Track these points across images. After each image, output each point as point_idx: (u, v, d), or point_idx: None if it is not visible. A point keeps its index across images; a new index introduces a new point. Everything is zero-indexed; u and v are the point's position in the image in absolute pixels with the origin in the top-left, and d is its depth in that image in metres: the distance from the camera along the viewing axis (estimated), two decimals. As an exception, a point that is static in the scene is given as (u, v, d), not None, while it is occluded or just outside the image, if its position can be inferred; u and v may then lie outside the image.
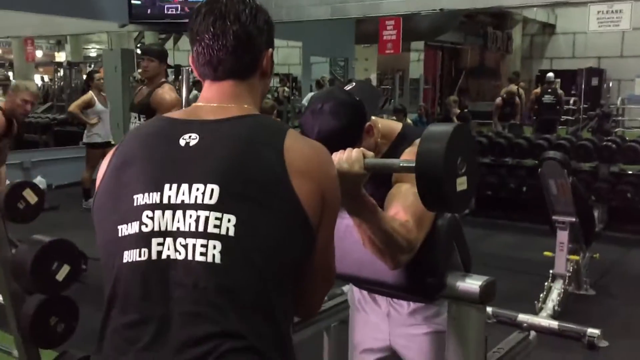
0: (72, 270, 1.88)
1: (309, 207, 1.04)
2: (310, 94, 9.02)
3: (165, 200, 1.03)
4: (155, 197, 1.03)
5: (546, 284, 3.82)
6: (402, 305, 1.81)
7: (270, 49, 1.19)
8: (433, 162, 1.23)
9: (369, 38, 11.85)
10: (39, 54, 16.41)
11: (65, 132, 9.10)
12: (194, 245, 1.00)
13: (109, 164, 1.12)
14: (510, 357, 1.91)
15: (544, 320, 3.59)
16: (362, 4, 7.34)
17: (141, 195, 1.04)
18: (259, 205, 1.01)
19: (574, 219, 3.74)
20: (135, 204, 1.04)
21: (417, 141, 1.64)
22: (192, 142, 1.06)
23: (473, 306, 1.60)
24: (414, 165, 1.26)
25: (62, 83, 11.52)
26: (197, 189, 1.02)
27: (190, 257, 1.00)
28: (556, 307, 3.68)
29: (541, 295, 3.79)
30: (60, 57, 15.54)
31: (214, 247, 0.99)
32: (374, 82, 15.15)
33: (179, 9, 8.53)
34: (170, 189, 1.03)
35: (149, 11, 8.63)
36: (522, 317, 3.64)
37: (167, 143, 1.07)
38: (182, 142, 1.06)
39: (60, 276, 1.85)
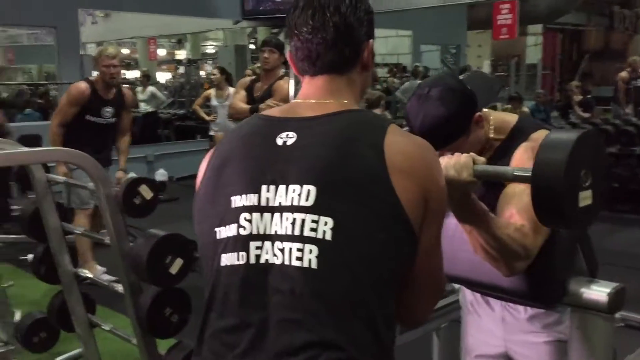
0: (185, 264, 1.93)
1: (410, 209, 0.97)
2: (406, 84, 8.80)
3: (263, 203, 1.00)
4: (252, 199, 1.01)
5: (682, 286, 3.47)
6: (519, 310, 1.70)
7: (371, 40, 1.13)
8: (552, 175, 1.11)
9: (482, 23, 11.42)
10: (161, 52, 17.38)
11: (186, 126, 9.56)
12: (291, 250, 0.96)
13: (208, 165, 1.11)
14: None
15: (680, 326, 3.26)
16: (474, -11, 7.06)
17: (239, 196, 1.02)
18: (357, 207, 0.96)
19: None
20: (232, 206, 1.02)
21: (534, 135, 1.53)
22: (290, 141, 1.02)
23: (600, 316, 1.46)
24: (530, 175, 1.15)
25: (182, 80, 12.09)
26: (294, 190, 0.98)
27: (287, 262, 0.96)
28: (694, 313, 3.33)
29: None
30: (181, 54, 16.33)
31: (310, 252, 0.95)
32: (487, 69, 14.62)
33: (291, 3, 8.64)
34: (268, 190, 1.00)
35: (261, 7, 8.82)
36: (655, 322, 3.32)
37: (265, 143, 1.04)
38: (279, 142, 1.03)
39: (173, 269, 1.91)
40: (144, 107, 9.79)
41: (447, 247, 1.61)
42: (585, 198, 1.17)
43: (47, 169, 2.37)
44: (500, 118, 1.60)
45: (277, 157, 1.02)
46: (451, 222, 1.63)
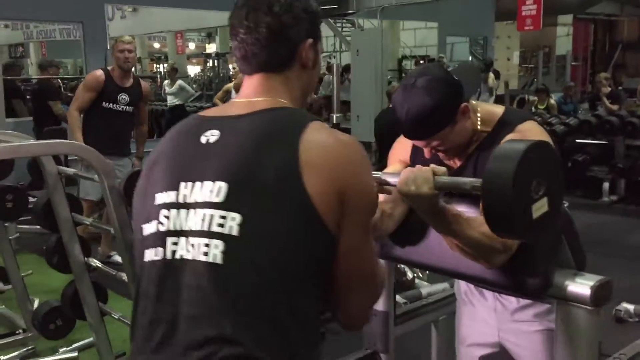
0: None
1: (322, 206, 0.97)
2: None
3: (180, 199, 1.02)
4: (172, 196, 1.03)
5: (701, 281, 3.40)
6: (510, 300, 1.71)
7: (311, 39, 1.12)
8: (501, 187, 1.12)
9: (511, 14, 11.22)
10: (191, 46, 17.56)
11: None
12: (199, 245, 0.98)
13: (146, 163, 1.15)
14: (635, 365, 1.72)
15: (696, 322, 3.20)
16: (498, -21, 6.97)
17: (161, 194, 1.04)
18: (265, 203, 0.97)
19: None
20: (155, 203, 1.05)
21: (520, 126, 1.54)
22: (212, 139, 1.04)
23: (584, 309, 1.45)
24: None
25: (210, 73, 12.20)
26: (207, 187, 1.00)
27: (196, 257, 0.98)
28: None
29: (694, 294, 3.38)
30: (211, 48, 16.47)
31: (216, 247, 0.96)
32: (516, 60, 14.40)
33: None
34: (185, 187, 1.02)
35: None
36: (670, 317, 3.26)
37: (191, 141, 1.06)
38: (203, 140, 1.05)
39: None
40: (171, 100, 9.91)
41: (436, 241, 1.64)
42: (540, 208, 1.17)
43: (59, 161, 2.45)
44: (487, 110, 1.61)
45: (199, 154, 1.04)
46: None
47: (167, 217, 1.02)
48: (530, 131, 1.53)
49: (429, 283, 3.39)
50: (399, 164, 1.74)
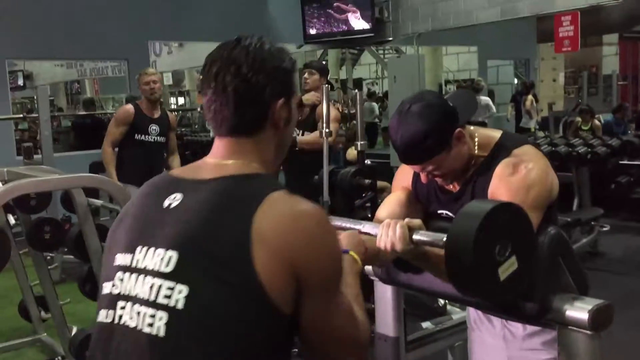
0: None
1: (270, 283, 0.93)
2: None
3: (134, 264, 1.00)
4: (127, 259, 1.02)
5: None
6: (517, 327, 1.70)
7: (283, 99, 1.08)
8: (462, 251, 1.14)
9: (553, 35, 11.11)
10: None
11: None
12: (145, 315, 0.96)
13: (117, 218, 1.13)
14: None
15: None
16: (533, 2, 6.91)
17: (120, 255, 1.04)
18: (212, 277, 0.94)
19: None
20: (114, 263, 1.04)
21: (516, 151, 1.55)
22: (174, 204, 1.02)
23: (584, 333, 1.44)
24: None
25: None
26: (158, 255, 0.98)
27: (139, 327, 0.96)
28: None
29: None
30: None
31: (161, 319, 0.94)
32: (561, 81, 14.14)
33: (347, 25, 8.82)
34: (140, 251, 1.00)
35: (321, 31, 9.04)
36: None
37: (155, 203, 1.05)
38: (166, 203, 1.03)
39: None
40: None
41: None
42: (508, 268, 1.19)
43: (90, 194, 2.57)
44: (484, 134, 1.63)
45: (158, 219, 1.02)
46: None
47: (121, 280, 1.01)
48: (526, 154, 1.54)
49: (461, 309, 3.37)
50: (402, 192, 1.77)
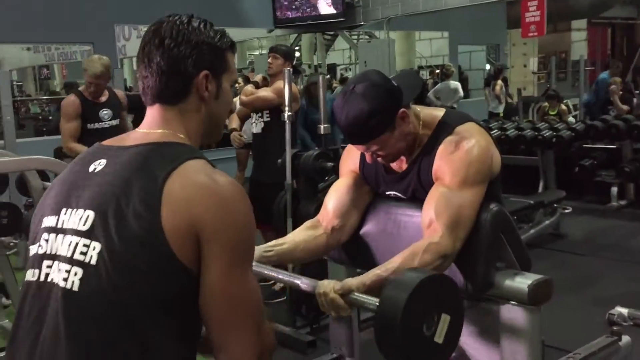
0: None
1: (175, 240, 0.97)
2: (438, 85, 8.68)
3: (59, 225, 1.05)
4: (53, 221, 1.07)
5: (696, 284, 3.36)
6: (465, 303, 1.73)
7: (206, 71, 1.11)
8: (391, 324, 1.21)
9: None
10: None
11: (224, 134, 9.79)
12: (62, 271, 1.01)
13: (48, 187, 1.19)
14: (589, 365, 1.73)
15: (690, 325, 3.15)
16: (501, -13, 6.97)
17: (46, 217, 1.08)
18: (124, 235, 0.98)
19: None
20: (42, 226, 1.09)
21: (459, 128, 1.58)
22: (98, 169, 1.07)
23: (523, 307, 1.48)
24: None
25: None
26: (78, 214, 1.03)
27: (60, 283, 1.01)
28: None
29: (689, 297, 3.34)
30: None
31: (75, 274, 0.99)
32: (534, 67, 14.30)
33: (316, 10, 8.78)
34: (64, 213, 1.05)
35: (291, 15, 8.99)
36: (664, 321, 3.22)
37: (81, 169, 1.10)
38: (91, 168, 1.08)
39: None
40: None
41: (387, 244, 1.68)
42: (442, 330, 1.25)
43: (45, 177, 2.54)
44: (428, 113, 1.65)
45: (83, 183, 1.07)
46: (389, 221, 1.69)
47: (47, 241, 1.06)
48: (468, 131, 1.57)
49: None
50: (349, 176, 1.78)
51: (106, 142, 1.16)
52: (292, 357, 3.07)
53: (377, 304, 1.27)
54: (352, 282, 1.42)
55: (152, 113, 1.13)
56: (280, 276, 1.55)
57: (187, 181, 1.00)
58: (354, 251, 1.77)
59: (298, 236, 1.74)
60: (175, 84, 1.10)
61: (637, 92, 11.84)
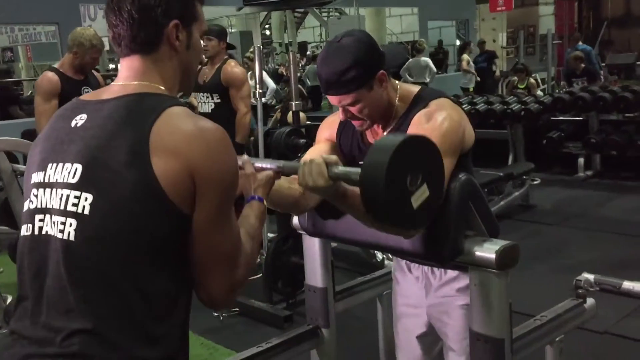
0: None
1: (169, 186, 1.01)
2: (410, 61, 8.69)
3: (47, 179, 1.09)
4: (40, 176, 1.10)
5: (658, 249, 3.49)
6: (435, 275, 1.77)
7: (176, 21, 1.13)
8: (375, 181, 1.18)
9: (492, -4, 11.26)
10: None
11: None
12: (57, 223, 1.05)
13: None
14: (554, 326, 1.79)
15: (652, 288, 3.28)
16: (468, -39, 6.99)
17: (34, 174, 1.12)
18: (114, 184, 1.02)
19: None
20: (30, 182, 1.12)
21: (433, 102, 1.60)
22: (80, 123, 1.09)
23: (492, 272, 1.52)
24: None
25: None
26: (66, 168, 1.06)
27: (56, 234, 1.05)
28: (668, 275, 3.34)
29: (652, 261, 3.47)
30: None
31: (70, 225, 1.03)
32: (503, 41, 14.43)
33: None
34: (51, 168, 1.09)
35: (260, -8, 8.92)
36: (628, 284, 3.31)
37: (63, 124, 1.12)
38: (73, 123, 1.10)
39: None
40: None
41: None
42: (420, 196, 1.24)
43: (13, 159, 2.51)
44: (405, 87, 1.68)
45: (67, 137, 1.09)
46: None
47: (36, 196, 1.10)
48: (442, 105, 1.59)
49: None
50: (325, 143, 1.81)
51: (84, 97, 1.18)
52: (269, 332, 3.11)
53: (357, 175, 1.25)
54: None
55: (127, 65, 1.15)
56: (269, 165, 1.50)
57: (173, 128, 1.04)
58: (327, 224, 1.79)
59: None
60: (146, 33, 1.12)
61: (604, 64, 12.08)
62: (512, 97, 6.68)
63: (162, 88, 1.14)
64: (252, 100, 3.79)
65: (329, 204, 1.66)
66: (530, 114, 6.05)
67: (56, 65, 3.68)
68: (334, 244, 2.40)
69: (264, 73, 9.94)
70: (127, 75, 1.15)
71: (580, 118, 6.29)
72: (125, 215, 1.01)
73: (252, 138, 3.48)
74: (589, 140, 6.03)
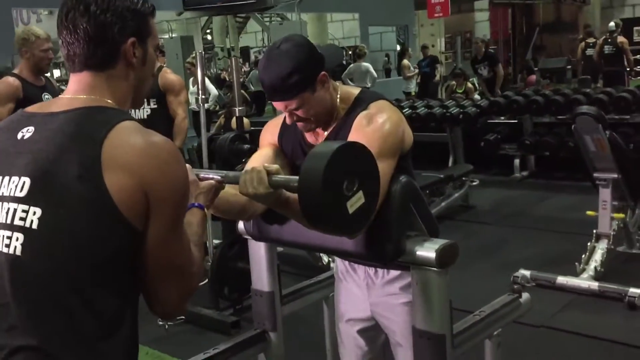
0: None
1: (122, 201, 1.01)
2: (351, 66, 8.84)
3: None
4: None
5: (589, 244, 3.66)
6: (378, 275, 1.81)
7: (133, 38, 1.13)
8: (312, 187, 1.22)
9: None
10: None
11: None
12: (3, 237, 1.03)
13: None
14: (492, 321, 1.87)
15: (584, 281, 3.45)
16: (406, -32, 7.15)
17: None
18: (64, 198, 1.00)
19: (615, 175, 3.54)
20: None
21: (373, 104, 1.65)
22: (27, 136, 1.07)
23: (432, 270, 1.58)
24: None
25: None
26: (13, 182, 1.04)
27: (1, 249, 1.03)
28: (599, 268, 3.52)
29: (583, 256, 3.64)
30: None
31: (17, 239, 1.02)
32: (441, 46, 14.79)
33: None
34: None
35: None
36: (561, 279, 3.51)
37: (9, 137, 1.10)
38: (19, 136, 1.08)
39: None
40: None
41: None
42: (356, 202, 1.28)
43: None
44: (345, 89, 1.72)
45: (13, 150, 1.08)
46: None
47: None
48: (381, 108, 1.64)
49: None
50: (268, 147, 1.83)
51: (29, 109, 1.15)
52: (216, 338, 3.10)
53: (295, 183, 1.30)
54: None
55: (79, 79, 1.13)
56: (211, 175, 1.51)
57: (125, 143, 1.03)
58: (272, 228, 1.82)
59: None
60: (102, 51, 1.11)
61: (536, 69, 12.58)
62: (451, 101, 6.88)
63: (111, 102, 1.13)
64: (195, 106, 3.77)
65: (272, 211, 1.69)
66: (469, 117, 6.25)
67: (15, 71, 3.55)
68: (280, 249, 2.42)
69: (206, 79, 9.93)
70: (77, 89, 1.13)
71: (515, 121, 6.53)
72: (75, 230, 1.00)
73: (195, 144, 3.46)
74: (523, 142, 6.26)
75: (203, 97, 3.33)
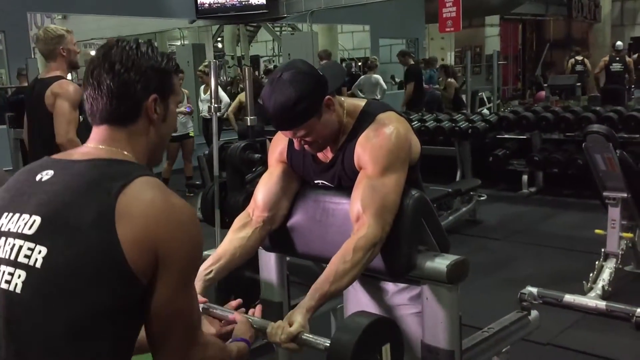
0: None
1: (132, 254, 1.00)
2: (361, 78, 8.89)
3: (0, 228, 1.07)
4: None
5: (597, 263, 3.65)
6: (388, 286, 1.82)
7: (155, 95, 1.15)
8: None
9: (440, 16, 11.59)
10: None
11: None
12: (5, 273, 1.03)
13: None
14: (501, 338, 1.87)
15: (591, 300, 3.44)
16: (419, -17, 7.20)
17: None
18: (73, 242, 1.00)
19: (625, 195, 3.54)
20: None
21: (380, 116, 1.66)
22: (45, 178, 1.09)
23: (443, 286, 1.59)
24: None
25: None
26: (23, 219, 1.05)
27: (1, 284, 1.03)
28: (606, 287, 3.51)
29: (591, 274, 3.63)
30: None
31: (19, 277, 1.01)
32: (451, 60, 14.82)
33: (240, 1, 8.74)
34: (6, 217, 1.08)
35: (214, 6, 8.90)
36: (569, 297, 3.49)
37: (28, 177, 1.12)
38: (37, 177, 1.10)
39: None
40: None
41: (315, 231, 1.75)
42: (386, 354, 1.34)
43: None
44: (351, 102, 1.73)
45: (29, 190, 1.09)
46: (318, 208, 1.76)
47: None
48: (388, 119, 1.65)
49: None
50: (277, 167, 1.83)
51: (54, 156, 1.18)
52: (222, 346, 3.10)
53: (327, 344, 1.37)
54: (299, 316, 1.47)
55: (100, 132, 1.16)
56: (227, 314, 1.60)
57: (141, 198, 1.03)
58: (284, 239, 1.83)
59: (232, 243, 1.75)
60: (125, 108, 1.14)
61: (546, 85, 12.56)
62: (459, 115, 6.89)
63: (131, 157, 1.15)
64: (207, 114, 3.79)
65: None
66: (477, 132, 6.26)
67: (58, 73, 3.27)
68: (287, 258, 2.43)
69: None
70: (99, 140, 1.16)
71: (524, 137, 6.52)
72: (79, 274, 0.99)
73: (206, 152, 3.48)
74: (532, 158, 6.26)
75: (216, 105, 3.36)
